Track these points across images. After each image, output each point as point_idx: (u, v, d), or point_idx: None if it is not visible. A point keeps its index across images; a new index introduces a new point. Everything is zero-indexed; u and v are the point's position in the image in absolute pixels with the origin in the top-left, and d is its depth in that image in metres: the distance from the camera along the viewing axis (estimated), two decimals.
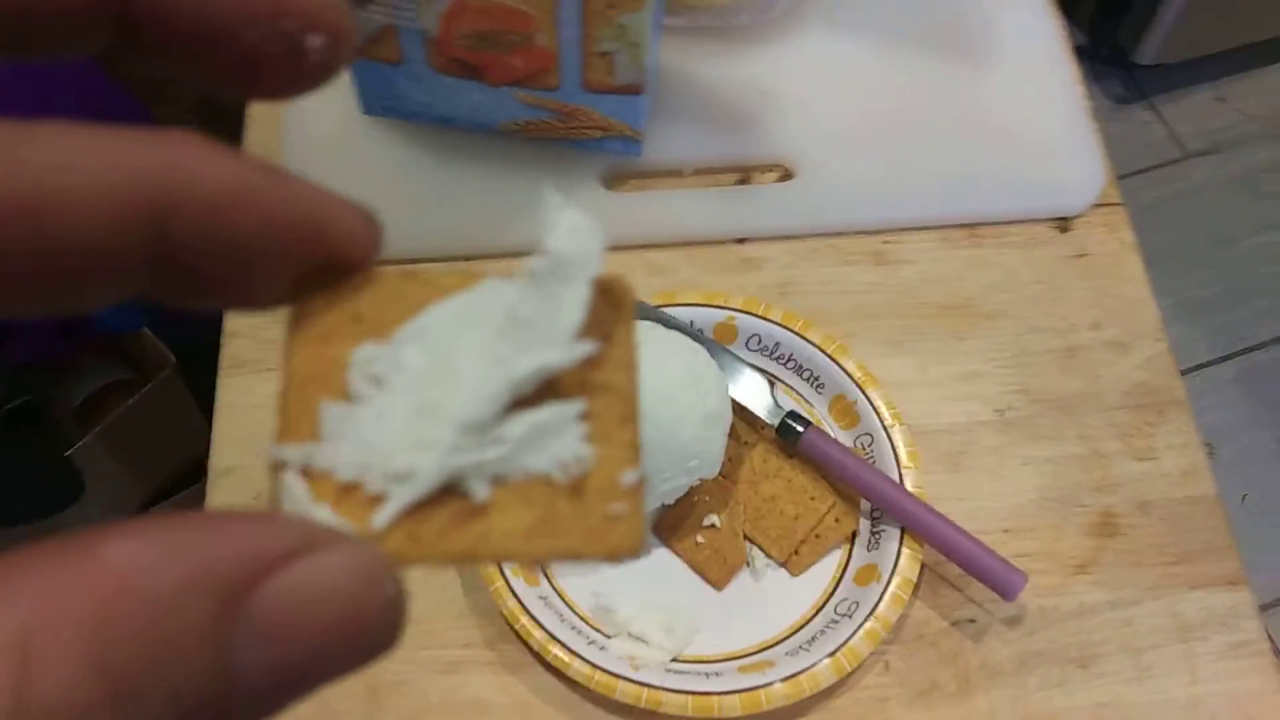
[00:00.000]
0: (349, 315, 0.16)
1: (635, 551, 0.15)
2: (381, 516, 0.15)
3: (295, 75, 0.16)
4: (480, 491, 0.15)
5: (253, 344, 0.56)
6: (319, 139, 0.61)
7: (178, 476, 1.13)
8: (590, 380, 0.16)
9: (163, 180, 0.14)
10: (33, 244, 0.13)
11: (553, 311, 0.16)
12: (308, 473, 0.15)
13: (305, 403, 0.16)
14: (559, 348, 0.16)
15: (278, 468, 0.15)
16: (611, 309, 0.17)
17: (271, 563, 0.12)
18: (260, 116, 0.63)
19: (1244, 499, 1.31)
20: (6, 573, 0.11)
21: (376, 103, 0.59)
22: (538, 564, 0.50)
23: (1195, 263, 1.48)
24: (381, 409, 0.16)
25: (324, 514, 0.15)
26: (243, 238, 0.15)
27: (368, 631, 0.13)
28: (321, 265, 0.16)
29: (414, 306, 0.17)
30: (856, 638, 0.47)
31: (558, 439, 0.16)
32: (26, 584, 0.11)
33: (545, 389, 0.16)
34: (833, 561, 0.51)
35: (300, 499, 0.15)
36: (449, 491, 0.15)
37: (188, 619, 0.12)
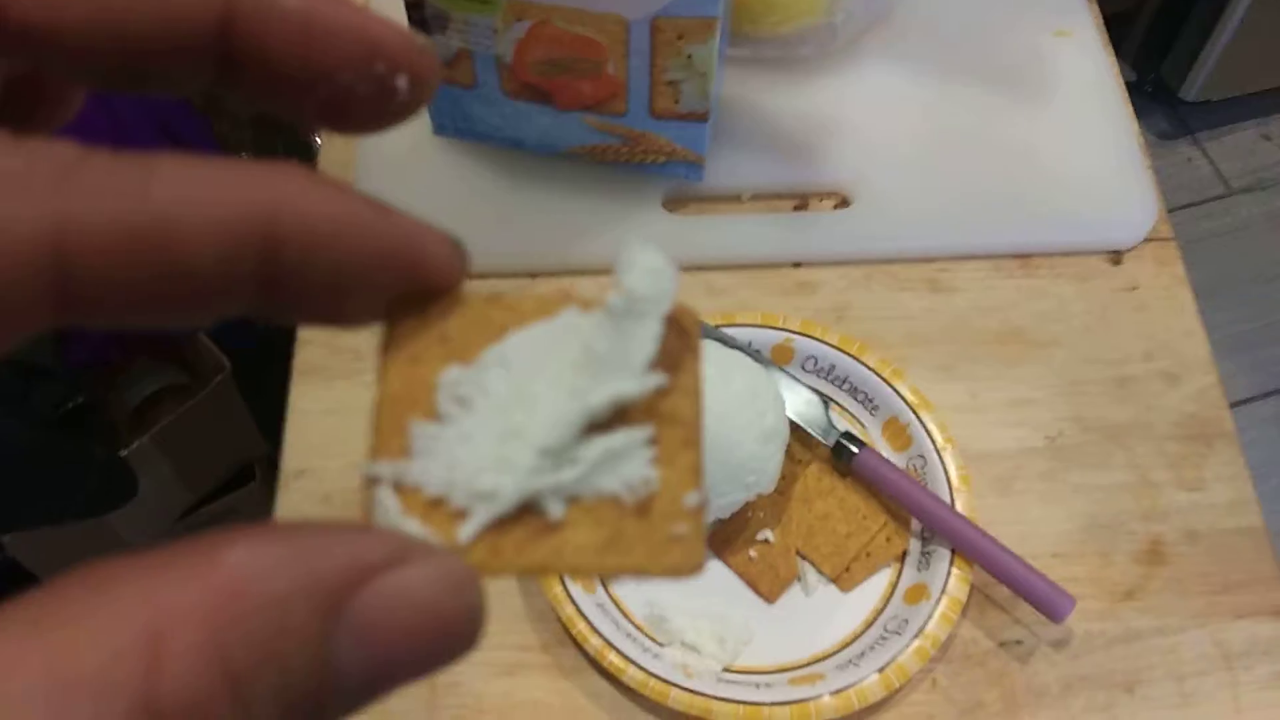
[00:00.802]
0: (437, 336, 0.18)
1: (695, 570, 0.16)
2: (466, 531, 0.16)
3: (382, 113, 0.17)
4: (555, 510, 0.16)
5: (325, 351, 0.58)
6: (391, 158, 0.63)
7: (229, 479, 1.15)
8: (658, 406, 0.17)
9: (274, 213, 0.15)
10: (151, 271, 0.14)
11: (627, 346, 0.17)
12: (399, 488, 0.17)
13: (396, 421, 0.17)
14: (632, 380, 0.17)
15: (371, 482, 0.17)
16: (679, 337, 0.18)
17: (369, 571, 0.14)
18: (335, 137, 0.66)
19: None
20: (137, 573, 0.13)
21: (448, 124, 0.62)
22: (606, 579, 0.51)
23: (1237, 299, 1.47)
24: (466, 430, 0.17)
25: (413, 527, 0.16)
26: (345, 267, 0.16)
27: (451, 636, 0.14)
28: (413, 289, 0.17)
29: (497, 331, 0.18)
30: (905, 655, 0.48)
31: (627, 462, 0.17)
32: (155, 583, 0.12)
33: (616, 414, 0.17)
34: (883, 579, 0.52)
35: (392, 513, 0.16)
36: (527, 509, 0.16)
37: (295, 620, 0.13)
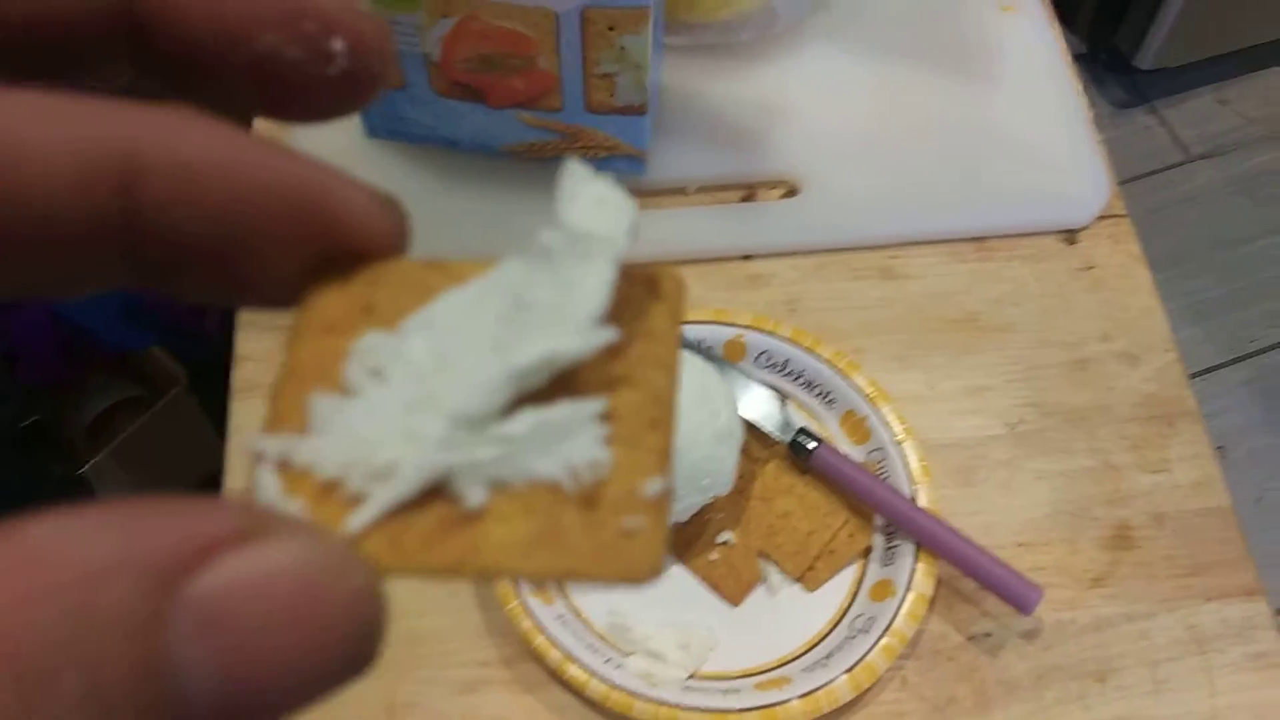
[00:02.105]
0: (361, 305, 0.15)
1: (651, 574, 0.13)
2: (358, 518, 0.13)
3: (325, 89, 0.15)
4: (474, 496, 0.13)
5: (265, 367, 0.56)
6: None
7: (192, 492, 1.13)
8: (621, 378, 0.15)
9: (134, 145, 0.13)
10: None
11: (567, 293, 0.14)
12: (285, 467, 0.14)
13: (299, 394, 0.14)
14: (571, 334, 0.14)
15: (256, 459, 0.14)
16: (659, 302, 0.15)
17: (212, 546, 0.11)
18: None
19: (1259, 501, 1.31)
20: None
21: (381, 126, 0.60)
22: (537, 582, 0.48)
23: (1200, 266, 1.48)
24: (375, 402, 0.14)
25: (295, 511, 0.13)
26: (228, 215, 0.14)
27: (332, 634, 0.11)
28: (336, 255, 0.15)
29: (430, 296, 0.15)
30: (873, 653, 0.47)
31: (571, 441, 0.14)
32: None
33: (564, 385, 0.14)
34: (848, 577, 0.51)
35: (272, 494, 0.13)
36: (440, 495, 0.13)
37: (109, 598, 0.10)
